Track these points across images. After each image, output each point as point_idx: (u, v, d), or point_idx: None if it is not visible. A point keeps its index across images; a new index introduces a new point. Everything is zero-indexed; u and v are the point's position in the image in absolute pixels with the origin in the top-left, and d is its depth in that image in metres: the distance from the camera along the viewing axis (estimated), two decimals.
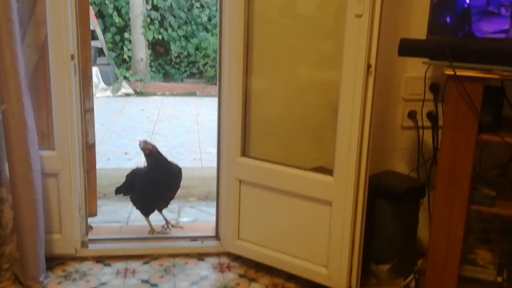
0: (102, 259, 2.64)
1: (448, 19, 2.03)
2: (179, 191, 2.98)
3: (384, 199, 2.44)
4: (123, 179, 3.00)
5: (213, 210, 2.87)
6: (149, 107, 7.30)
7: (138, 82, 8.49)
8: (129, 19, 8.71)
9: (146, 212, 2.90)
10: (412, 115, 2.58)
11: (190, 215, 3.39)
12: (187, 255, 2.71)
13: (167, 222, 2.96)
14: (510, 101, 2.16)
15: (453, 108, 2.00)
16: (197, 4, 9.16)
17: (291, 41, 2.50)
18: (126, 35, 8.80)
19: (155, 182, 2.83)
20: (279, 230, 2.50)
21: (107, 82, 8.22)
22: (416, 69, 2.40)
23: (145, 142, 2.80)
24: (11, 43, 2.14)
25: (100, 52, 8.55)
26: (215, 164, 2.73)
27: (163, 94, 8.37)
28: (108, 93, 8.05)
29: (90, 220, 2.78)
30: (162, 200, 2.93)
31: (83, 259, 2.63)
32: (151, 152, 2.79)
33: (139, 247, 2.72)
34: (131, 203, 2.96)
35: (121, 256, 2.67)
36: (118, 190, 3.01)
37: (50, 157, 2.46)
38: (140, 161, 2.86)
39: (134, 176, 2.93)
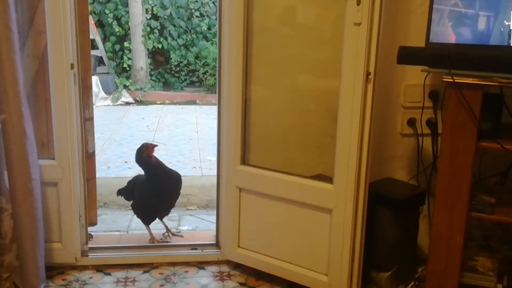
0: (102, 268, 2.63)
1: None
2: (179, 199, 2.98)
3: (384, 207, 2.43)
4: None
5: (213, 218, 2.87)
6: (149, 116, 7.31)
7: (138, 91, 8.51)
8: (129, 28, 8.73)
9: (147, 221, 2.89)
10: (411, 122, 2.58)
11: (190, 224, 3.39)
12: (187, 264, 2.71)
13: (168, 229, 2.96)
14: (509, 108, 2.17)
15: (452, 115, 2.00)
16: (197, 13, 9.19)
17: (290, 49, 2.51)
18: (126, 44, 8.81)
19: (155, 189, 2.82)
20: (279, 238, 2.49)
21: (107, 91, 8.24)
22: (415, 76, 2.41)
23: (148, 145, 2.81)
24: (10, 53, 2.14)
25: (100, 61, 8.57)
26: (215, 172, 2.72)
27: (163, 103, 8.38)
28: (108, 102, 8.06)
29: (90, 229, 2.78)
30: (163, 207, 2.92)
31: (83, 268, 2.62)
32: (152, 157, 2.79)
33: (139, 255, 2.72)
34: (131, 212, 2.95)
35: (121, 265, 2.66)
36: (119, 192, 3.01)
37: (50, 166, 2.46)
38: (140, 169, 2.85)
39: (134, 184, 2.93)
